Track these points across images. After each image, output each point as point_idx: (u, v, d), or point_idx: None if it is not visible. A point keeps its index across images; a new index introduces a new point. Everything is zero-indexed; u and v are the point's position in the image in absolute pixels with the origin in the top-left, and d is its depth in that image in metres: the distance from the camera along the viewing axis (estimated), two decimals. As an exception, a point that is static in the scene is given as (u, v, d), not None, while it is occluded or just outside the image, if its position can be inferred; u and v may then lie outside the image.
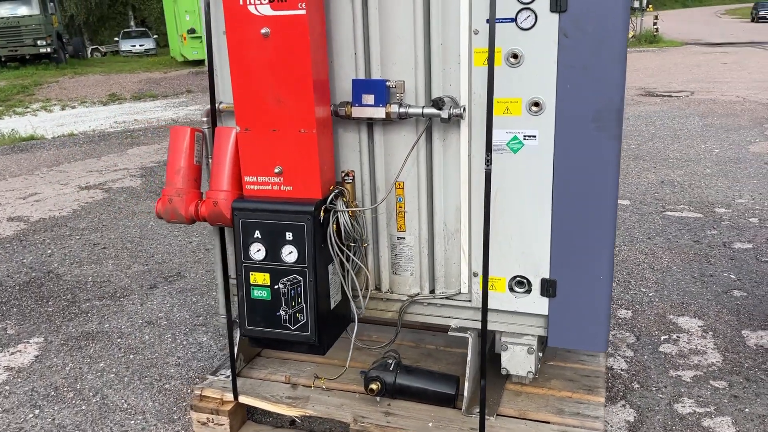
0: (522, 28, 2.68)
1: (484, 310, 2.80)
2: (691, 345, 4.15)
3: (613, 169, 2.72)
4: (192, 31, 25.83)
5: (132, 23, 46.23)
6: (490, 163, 2.70)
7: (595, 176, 2.74)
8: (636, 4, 29.86)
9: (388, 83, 2.86)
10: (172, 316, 4.73)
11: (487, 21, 2.71)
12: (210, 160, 3.19)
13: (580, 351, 3.49)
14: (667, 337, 4.26)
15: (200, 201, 3.04)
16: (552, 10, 2.62)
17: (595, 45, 2.60)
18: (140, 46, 39.07)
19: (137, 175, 8.90)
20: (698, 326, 4.40)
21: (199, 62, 26.89)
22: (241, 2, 2.68)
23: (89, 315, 4.78)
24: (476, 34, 2.75)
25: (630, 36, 29.07)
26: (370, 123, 3.02)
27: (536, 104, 2.73)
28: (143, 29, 42.45)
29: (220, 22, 3.00)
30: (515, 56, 2.71)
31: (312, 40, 2.66)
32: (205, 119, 3.20)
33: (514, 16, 2.67)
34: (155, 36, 41.52)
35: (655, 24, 29.65)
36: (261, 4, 2.66)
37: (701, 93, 15.24)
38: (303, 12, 2.61)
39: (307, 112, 2.72)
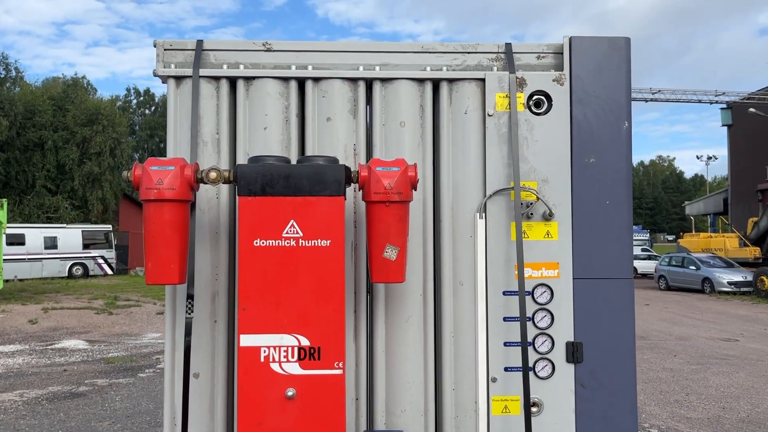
0: (540, 377, 2.68)
1: None
2: None
3: None
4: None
5: None
6: None
7: None
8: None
9: (405, 437, 2.59)
10: None
11: (505, 369, 2.69)
12: None
13: None
14: None
15: None
16: (568, 361, 2.69)
17: (611, 395, 2.69)
18: None
19: None
20: None
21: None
22: (263, 359, 2.31)
23: None
24: (494, 381, 2.68)
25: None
26: (373, 480, 2.66)
27: (555, 454, 2.66)
28: None
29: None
30: (535, 405, 2.67)
31: (346, 402, 2.35)
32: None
33: (532, 365, 2.68)
34: None
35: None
36: (287, 361, 2.32)
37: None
38: (340, 372, 2.33)
39: (337, 487, 2.30)
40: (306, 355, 2.32)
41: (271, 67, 2.76)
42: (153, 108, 58.04)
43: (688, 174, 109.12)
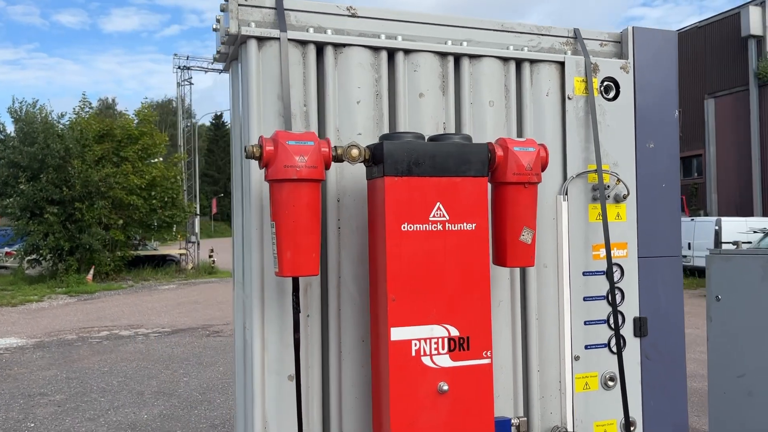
0: (613, 352, 2.80)
1: None
2: None
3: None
4: None
5: None
6: (635, 498, 2.61)
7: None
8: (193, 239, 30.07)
9: (513, 421, 2.56)
10: None
11: (586, 347, 2.77)
12: None
13: None
14: None
15: None
16: (635, 336, 2.84)
17: (671, 365, 2.90)
18: None
19: None
20: None
21: None
22: (413, 353, 2.12)
23: None
24: (577, 360, 2.75)
25: (191, 267, 28.46)
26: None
27: (632, 424, 2.81)
28: None
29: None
30: (612, 379, 2.79)
31: (493, 390, 2.26)
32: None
33: (606, 342, 2.79)
34: None
35: (211, 257, 29.83)
36: (438, 354, 2.15)
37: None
38: (488, 361, 2.22)
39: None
40: (456, 346, 2.18)
41: (356, 35, 2.51)
42: None
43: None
